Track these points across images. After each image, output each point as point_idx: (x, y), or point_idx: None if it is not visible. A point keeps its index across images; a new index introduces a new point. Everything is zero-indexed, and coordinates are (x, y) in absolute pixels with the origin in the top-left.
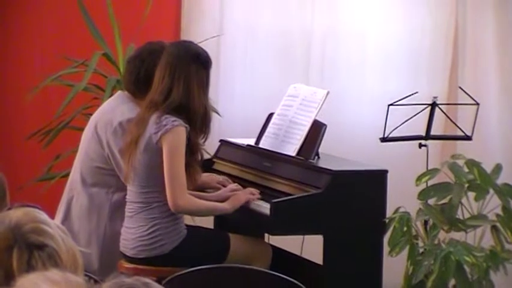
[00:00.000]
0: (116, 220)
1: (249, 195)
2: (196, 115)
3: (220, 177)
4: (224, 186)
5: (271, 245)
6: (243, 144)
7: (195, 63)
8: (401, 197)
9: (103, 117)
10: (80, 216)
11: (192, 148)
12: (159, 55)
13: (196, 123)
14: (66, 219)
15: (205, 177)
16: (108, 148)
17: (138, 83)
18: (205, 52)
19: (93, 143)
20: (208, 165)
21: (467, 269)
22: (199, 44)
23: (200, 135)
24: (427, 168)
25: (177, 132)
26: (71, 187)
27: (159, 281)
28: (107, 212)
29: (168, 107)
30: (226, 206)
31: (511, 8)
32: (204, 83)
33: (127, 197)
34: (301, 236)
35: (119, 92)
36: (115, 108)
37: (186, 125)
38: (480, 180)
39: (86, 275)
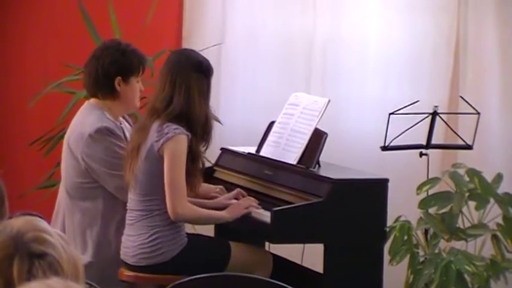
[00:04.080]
0: (106, 231)
1: (248, 205)
2: (197, 123)
3: (217, 188)
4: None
5: (272, 254)
6: (244, 153)
7: (196, 72)
8: (402, 205)
9: (74, 132)
10: (73, 230)
11: (193, 156)
12: (112, 52)
13: (197, 131)
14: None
15: (202, 187)
16: (84, 162)
17: (98, 82)
18: (207, 60)
19: (69, 159)
20: (209, 174)
21: (467, 278)
22: (201, 52)
23: (201, 143)
24: (427, 177)
25: (179, 140)
26: (61, 204)
27: None
28: (99, 224)
29: (169, 115)
30: (225, 215)
31: None
32: (205, 91)
33: (128, 204)
34: (302, 245)
35: (85, 102)
36: (83, 120)
37: (188, 133)
38: (481, 189)
39: (87, 283)
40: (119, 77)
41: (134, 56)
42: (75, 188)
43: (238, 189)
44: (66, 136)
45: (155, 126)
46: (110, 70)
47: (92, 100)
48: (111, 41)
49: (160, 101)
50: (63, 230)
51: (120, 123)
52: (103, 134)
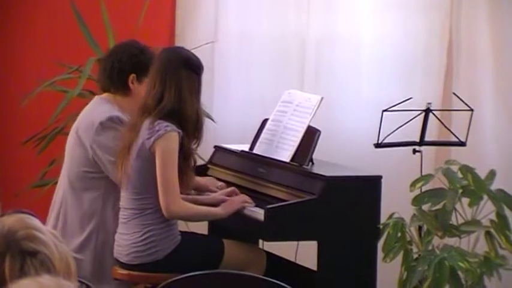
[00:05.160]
0: (108, 224)
1: (243, 201)
2: (188, 120)
3: (220, 183)
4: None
5: (266, 251)
6: (238, 150)
7: (186, 69)
8: (395, 202)
9: (83, 121)
10: (71, 223)
11: (185, 153)
12: (130, 49)
13: (188, 129)
14: (57, 226)
15: (206, 180)
16: (92, 150)
17: (112, 78)
18: (197, 57)
19: (76, 148)
20: (202, 171)
21: (461, 274)
22: (194, 50)
23: (193, 141)
24: (421, 174)
25: (170, 137)
26: (61, 195)
27: None
28: (99, 216)
29: (160, 112)
30: (219, 211)
31: (506, 13)
32: (195, 88)
33: (120, 203)
34: (296, 242)
35: (96, 96)
36: (94, 110)
37: (179, 130)
38: (474, 186)
39: (78, 281)
40: (133, 75)
41: (151, 56)
42: (79, 177)
43: (233, 188)
44: (74, 126)
45: (146, 123)
46: (126, 66)
47: (105, 95)
48: (130, 40)
49: (151, 98)
50: (56, 222)
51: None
52: (114, 121)
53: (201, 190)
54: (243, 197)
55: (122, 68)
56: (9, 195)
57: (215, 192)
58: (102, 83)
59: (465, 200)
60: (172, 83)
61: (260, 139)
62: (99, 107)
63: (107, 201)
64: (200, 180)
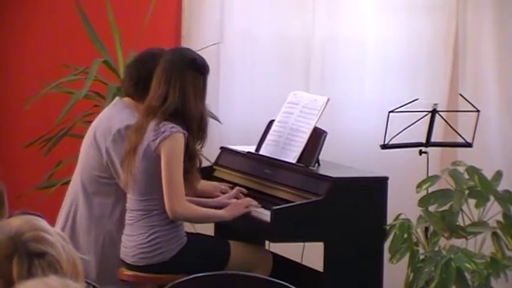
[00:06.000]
0: (115, 229)
1: (248, 204)
2: (193, 121)
3: (223, 186)
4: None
5: (272, 252)
6: (244, 152)
7: (190, 69)
8: (401, 203)
9: (102, 124)
10: (80, 225)
11: (190, 154)
12: (159, 59)
13: (193, 129)
14: (65, 227)
15: (208, 185)
16: (107, 155)
17: (138, 86)
18: (202, 58)
19: (92, 151)
20: (208, 173)
21: (468, 276)
22: (200, 51)
23: (197, 141)
24: (427, 175)
25: (175, 138)
26: (72, 195)
27: None
28: (107, 221)
29: (165, 113)
30: (224, 214)
31: (511, 14)
32: (200, 89)
33: (127, 205)
34: (302, 243)
35: (117, 98)
36: (114, 115)
37: (184, 132)
38: (481, 187)
39: (86, 282)
40: None
41: None
42: (91, 180)
43: (237, 188)
44: (92, 126)
45: (152, 125)
46: (151, 78)
47: (126, 99)
48: (157, 49)
49: (155, 99)
50: (66, 221)
51: None
52: None
53: (204, 196)
54: (248, 201)
55: (148, 79)
56: (15, 197)
57: (219, 196)
58: (127, 89)
59: (472, 201)
60: (177, 83)
61: (266, 140)
62: (119, 114)
63: (116, 207)
64: (204, 186)
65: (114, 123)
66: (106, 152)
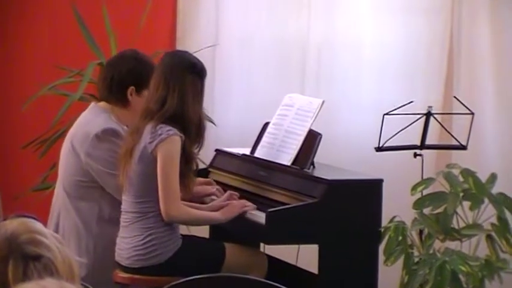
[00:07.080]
0: (104, 232)
1: (242, 206)
2: (190, 124)
3: (214, 189)
4: (217, 196)
5: (267, 255)
6: (239, 154)
7: (190, 73)
8: (396, 206)
9: (79, 131)
10: (69, 233)
11: (186, 157)
12: (130, 61)
13: (191, 133)
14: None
15: (198, 183)
16: (86, 161)
17: (111, 89)
18: (200, 62)
19: (71, 157)
20: (203, 175)
21: (462, 278)
22: (195, 54)
23: (194, 145)
24: (422, 177)
25: (172, 141)
26: (57, 206)
27: None
28: (95, 225)
29: (163, 116)
30: (219, 216)
31: (507, 17)
32: (198, 93)
33: (122, 206)
34: (297, 246)
35: (92, 103)
36: (91, 120)
37: (181, 135)
38: (475, 189)
39: (82, 285)
40: (133, 87)
41: (152, 69)
42: (73, 186)
43: (229, 192)
44: (69, 134)
45: (148, 127)
46: (126, 78)
47: (102, 103)
48: (131, 51)
49: (154, 102)
50: (56, 230)
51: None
52: (108, 134)
53: (196, 197)
54: (243, 202)
55: (121, 80)
56: (10, 199)
57: (211, 195)
58: (101, 93)
59: (466, 204)
60: (176, 87)
61: (261, 143)
62: (96, 118)
63: (103, 210)
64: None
65: (91, 128)
66: (85, 158)
